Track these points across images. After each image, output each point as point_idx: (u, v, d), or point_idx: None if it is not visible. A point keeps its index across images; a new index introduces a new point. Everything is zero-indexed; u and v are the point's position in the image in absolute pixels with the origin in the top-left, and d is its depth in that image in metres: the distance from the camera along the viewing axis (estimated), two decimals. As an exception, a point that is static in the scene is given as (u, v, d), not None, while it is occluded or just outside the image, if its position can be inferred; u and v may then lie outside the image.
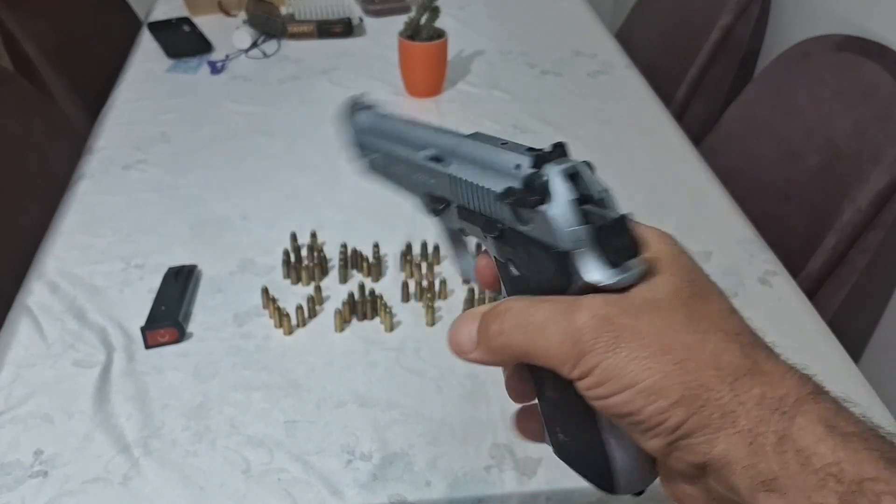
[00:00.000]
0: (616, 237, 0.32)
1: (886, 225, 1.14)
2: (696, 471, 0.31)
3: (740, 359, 0.31)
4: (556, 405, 0.37)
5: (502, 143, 0.37)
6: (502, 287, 0.39)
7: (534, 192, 0.33)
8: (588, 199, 0.33)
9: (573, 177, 0.33)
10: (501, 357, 0.36)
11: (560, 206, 0.32)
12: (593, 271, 0.32)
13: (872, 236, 1.15)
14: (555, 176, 0.33)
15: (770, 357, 0.32)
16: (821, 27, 1.42)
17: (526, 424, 0.41)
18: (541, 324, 0.33)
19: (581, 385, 0.32)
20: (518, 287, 0.37)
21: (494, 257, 0.39)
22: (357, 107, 0.55)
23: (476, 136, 0.40)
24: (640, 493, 0.36)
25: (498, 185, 0.36)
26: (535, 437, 0.40)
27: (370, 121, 0.53)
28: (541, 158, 0.34)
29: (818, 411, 0.29)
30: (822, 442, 0.28)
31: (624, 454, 0.34)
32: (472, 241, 0.46)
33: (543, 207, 0.33)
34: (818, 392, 0.30)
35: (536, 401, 0.39)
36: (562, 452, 0.38)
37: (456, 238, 0.46)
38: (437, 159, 0.42)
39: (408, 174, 0.46)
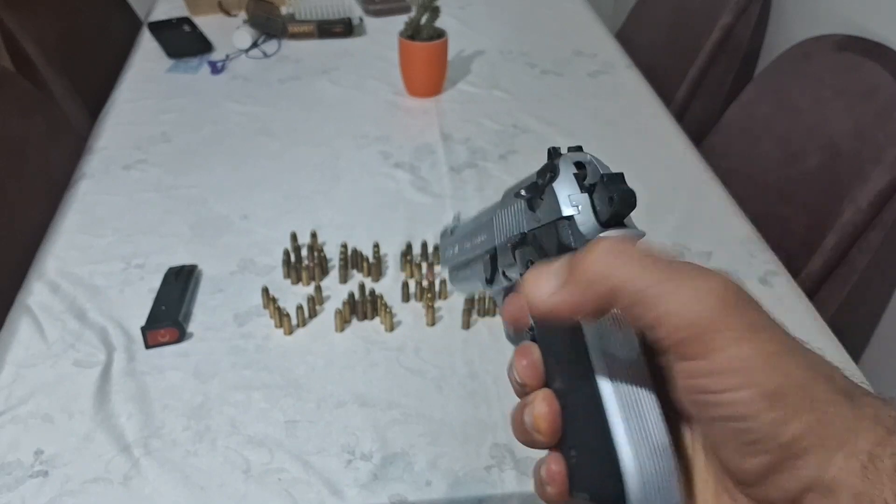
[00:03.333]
0: (615, 202, 0.33)
1: (886, 225, 1.14)
2: (789, 501, 0.27)
3: (845, 380, 0.28)
4: (570, 417, 0.35)
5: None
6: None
7: (544, 178, 0.36)
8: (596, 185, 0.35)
9: (582, 165, 0.36)
10: (593, 294, 0.30)
11: (564, 178, 0.35)
12: (588, 228, 0.34)
13: (872, 236, 1.15)
14: (563, 160, 0.36)
15: (861, 388, 0.29)
16: (821, 27, 1.42)
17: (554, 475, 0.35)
18: (669, 266, 0.29)
19: (685, 366, 0.28)
20: None
21: (519, 276, 0.39)
22: (449, 225, 0.57)
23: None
24: None
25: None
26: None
27: (455, 229, 0.55)
28: (555, 153, 0.37)
29: None
30: None
31: (651, 474, 0.31)
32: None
33: (551, 185, 0.36)
34: None
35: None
36: (579, 479, 0.34)
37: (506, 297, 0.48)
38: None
39: (470, 250, 0.48)
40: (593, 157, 0.36)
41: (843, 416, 0.27)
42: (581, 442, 0.34)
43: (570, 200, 0.35)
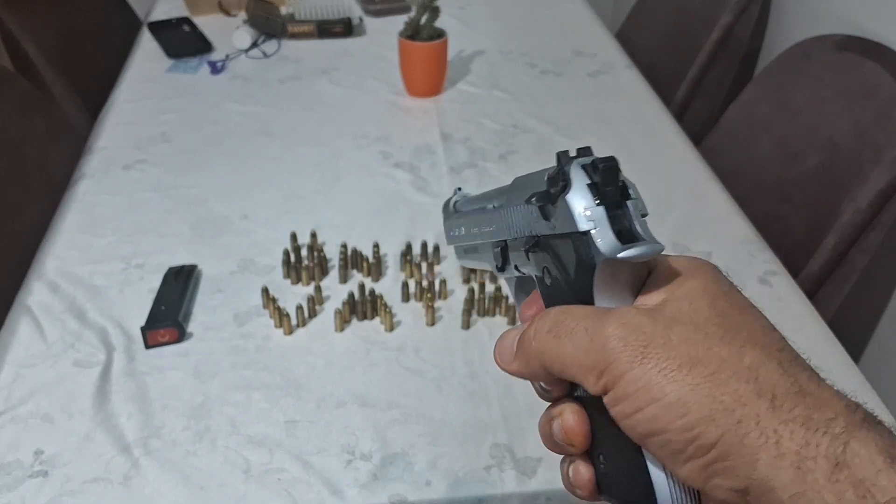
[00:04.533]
0: (627, 217, 0.34)
1: (886, 225, 1.14)
2: (740, 499, 0.28)
3: (780, 376, 0.29)
4: (597, 425, 0.35)
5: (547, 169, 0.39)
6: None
7: (556, 186, 0.35)
8: (609, 190, 0.34)
9: (596, 169, 0.35)
10: (535, 366, 0.34)
11: (577, 190, 0.34)
12: (607, 245, 0.33)
13: (872, 236, 1.15)
14: (574, 167, 0.35)
15: (813, 378, 0.29)
16: (821, 27, 1.42)
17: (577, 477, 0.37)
18: (571, 329, 0.32)
19: (606, 400, 0.31)
20: (553, 297, 0.37)
21: (534, 277, 0.39)
22: (451, 198, 0.58)
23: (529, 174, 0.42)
24: None
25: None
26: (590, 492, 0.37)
27: (457, 204, 0.55)
28: (565, 158, 0.36)
29: (874, 439, 0.26)
30: (883, 473, 0.25)
31: (675, 486, 0.32)
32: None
33: (564, 196, 0.35)
34: (870, 419, 0.28)
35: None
36: (606, 486, 0.35)
37: (519, 286, 0.46)
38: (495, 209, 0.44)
39: (478, 236, 0.47)
40: (607, 158, 0.35)
41: (757, 418, 0.28)
42: (610, 450, 0.34)
43: (586, 215, 0.34)
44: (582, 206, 0.34)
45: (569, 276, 0.35)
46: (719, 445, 0.28)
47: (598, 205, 0.34)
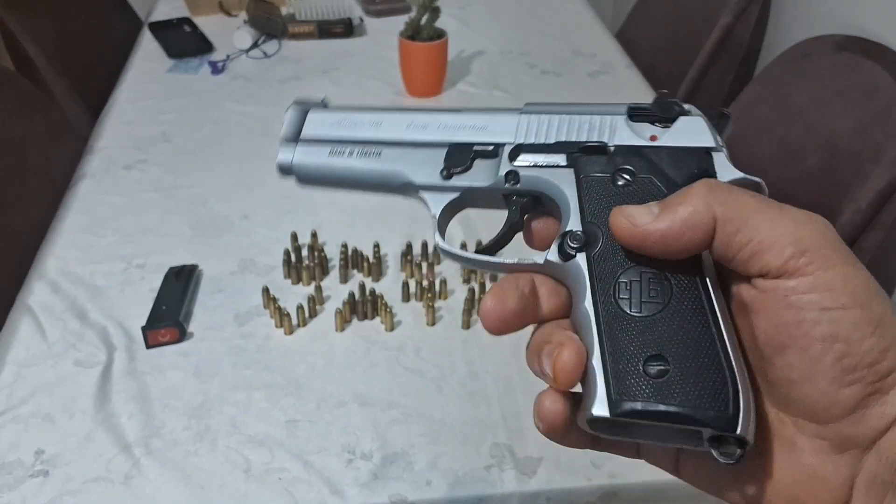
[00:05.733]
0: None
1: (886, 225, 1.14)
2: (870, 440, 0.27)
3: None
4: (654, 321, 0.32)
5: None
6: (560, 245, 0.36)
7: (667, 104, 0.37)
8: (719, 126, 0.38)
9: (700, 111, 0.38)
10: (698, 220, 0.30)
11: (700, 117, 0.37)
12: (728, 168, 0.35)
13: (872, 236, 1.15)
14: (682, 104, 0.38)
15: None
16: (821, 27, 1.42)
17: (554, 404, 0.33)
18: (769, 202, 0.30)
19: (792, 284, 0.28)
20: (623, 196, 0.36)
21: (580, 179, 0.37)
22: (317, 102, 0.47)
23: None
24: (742, 453, 0.29)
25: (610, 112, 0.39)
26: (561, 420, 0.32)
27: (326, 117, 0.45)
28: (664, 97, 0.39)
29: None
30: None
31: (748, 401, 0.30)
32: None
33: (686, 118, 0.37)
34: None
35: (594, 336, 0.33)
36: (666, 393, 0.30)
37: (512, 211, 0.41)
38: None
39: (408, 139, 0.42)
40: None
41: None
42: (681, 352, 0.31)
43: (715, 138, 0.36)
44: (710, 127, 0.36)
45: (675, 184, 0.35)
46: (894, 373, 0.27)
47: (718, 131, 0.36)
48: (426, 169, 0.41)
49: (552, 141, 0.39)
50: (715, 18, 1.60)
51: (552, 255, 0.36)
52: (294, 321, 0.89)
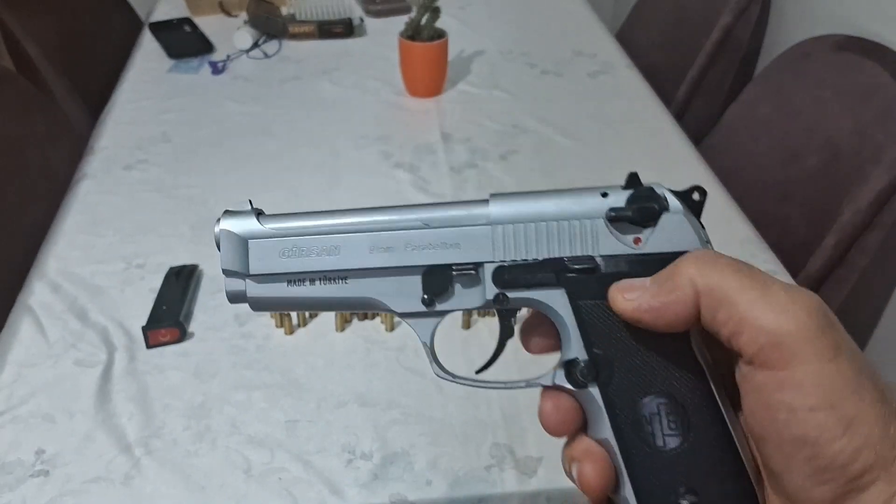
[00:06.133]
0: None
1: (886, 225, 1.14)
2: None
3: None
4: (682, 456, 0.32)
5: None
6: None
7: (648, 206, 0.35)
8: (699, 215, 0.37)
9: (680, 196, 0.36)
10: (682, 294, 0.31)
11: (683, 212, 0.35)
12: None
13: (872, 236, 1.15)
14: (664, 190, 0.36)
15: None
16: (821, 27, 1.42)
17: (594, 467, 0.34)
18: (763, 280, 0.29)
19: (762, 378, 0.28)
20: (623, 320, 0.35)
21: (576, 304, 0.36)
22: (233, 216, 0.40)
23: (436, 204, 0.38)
24: None
25: (587, 215, 0.36)
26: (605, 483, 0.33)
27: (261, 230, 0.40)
28: (635, 180, 0.36)
29: None
30: None
31: None
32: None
33: (668, 215, 0.35)
34: None
35: (619, 457, 0.34)
36: None
37: (504, 325, 0.41)
38: (427, 226, 0.38)
39: (400, 257, 0.38)
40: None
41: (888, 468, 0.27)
42: (710, 481, 0.31)
43: (699, 235, 0.35)
44: (696, 226, 0.35)
45: None
46: (868, 473, 0.27)
47: (696, 211, 0.35)
48: (403, 297, 0.39)
49: (533, 257, 0.37)
50: (715, 18, 1.60)
51: (560, 380, 0.36)
52: (294, 321, 0.89)
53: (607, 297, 0.34)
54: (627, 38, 1.83)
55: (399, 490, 0.71)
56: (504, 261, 0.37)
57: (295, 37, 1.62)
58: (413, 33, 1.34)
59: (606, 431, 0.34)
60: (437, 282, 0.38)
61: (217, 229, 0.39)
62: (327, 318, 0.90)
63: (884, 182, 1.12)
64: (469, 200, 0.38)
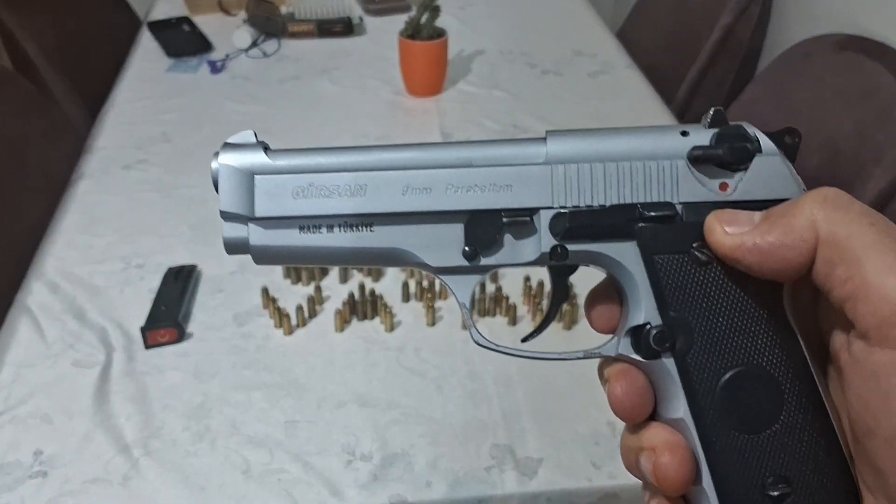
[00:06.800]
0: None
1: (887, 225, 1.14)
2: None
3: None
4: (772, 439, 0.28)
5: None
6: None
7: (740, 146, 0.30)
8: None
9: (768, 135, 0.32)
10: (797, 237, 0.26)
11: (779, 154, 0.31)
12: None
13: (873, 236, 1.15)
14: (756, 130, 0.31)
15: None
16: (821, 27, 1.42)
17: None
18: (874, 234, 0.25)
19: (889, 359, 0.24)
20: (711, 280, 0.30)
21: (650, 259, 0.31)
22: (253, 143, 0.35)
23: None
24: None
25: (666, 155, 0.31)
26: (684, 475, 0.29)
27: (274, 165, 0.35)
28: (720, 118, 0.31)
29: None
30: None
31: None
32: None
33: (761, 158, 0.30)
34: None
35: (701, 458, 0.29)
36: None
37: (558, 285, 0.35)
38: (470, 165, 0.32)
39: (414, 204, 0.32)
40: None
41: None
42: (803, 472, 0.28)
43: (797, 181, 0.30)
44: (789, 170, 0.30)
45: None
46: None
47: (791, 155, 0.30)
48: (440, 249, 0.33)
49: (600, 202, 0.31)
50: (715, 18, 1.60)
51: (626, 349, 0.31)
52: (293, 321, 0.88)
53: (699, 237, 0.29)
54: (628, 37, 1.83)
55: (399, 491, 0.71)
56: (564, 207, 0.31)
57: (294, 36, 1.62)
58: (413, 32, 1.34)
59: (681, 410, 0.29)
60: (484, 230, 0.32)
61: (215, 164, 0.33)
62: (327, 319, 0.90)
63: (885, 182, 1.11)
64: (522, 139, 0.33)
